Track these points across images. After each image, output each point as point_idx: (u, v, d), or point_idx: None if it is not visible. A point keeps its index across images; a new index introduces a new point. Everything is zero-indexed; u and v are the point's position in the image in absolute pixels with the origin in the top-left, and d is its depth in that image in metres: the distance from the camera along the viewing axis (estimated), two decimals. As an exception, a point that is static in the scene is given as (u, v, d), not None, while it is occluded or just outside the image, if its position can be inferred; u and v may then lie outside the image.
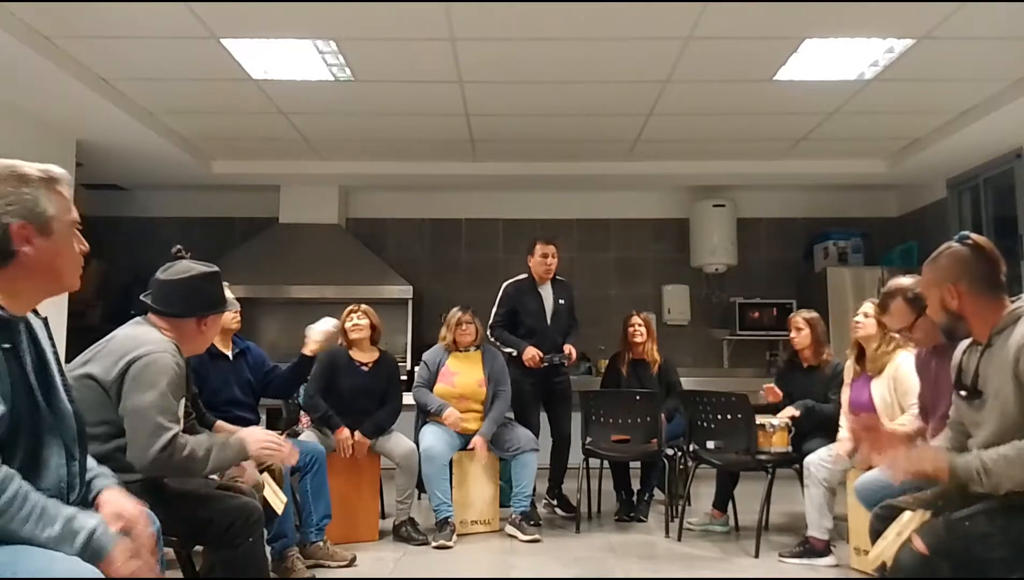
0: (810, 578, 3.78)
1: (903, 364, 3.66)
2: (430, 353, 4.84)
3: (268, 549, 3.09)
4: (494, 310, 5.14)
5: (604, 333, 6.68)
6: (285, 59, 4.70)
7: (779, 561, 3.99)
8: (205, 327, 2.58)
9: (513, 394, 4.78)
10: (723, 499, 4.69)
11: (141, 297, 2.56)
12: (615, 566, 3.98)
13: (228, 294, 2.70)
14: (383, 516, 4.70)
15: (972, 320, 2.23)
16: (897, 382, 3.69)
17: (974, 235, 2.25)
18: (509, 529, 4.50)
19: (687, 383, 5.48)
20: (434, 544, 4.23)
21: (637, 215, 7.96)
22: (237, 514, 2.37)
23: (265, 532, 2.62)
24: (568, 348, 5.02)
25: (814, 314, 4.59)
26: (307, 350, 3.95)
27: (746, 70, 4.88)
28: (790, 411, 4.31)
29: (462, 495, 4.57)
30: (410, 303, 7.07)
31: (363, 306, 4.60)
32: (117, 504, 1.71)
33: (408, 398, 4.79)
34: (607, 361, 5.57)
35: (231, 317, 3.76)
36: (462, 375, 4.70)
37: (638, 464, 5.04)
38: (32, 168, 1.64)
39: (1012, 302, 2.20)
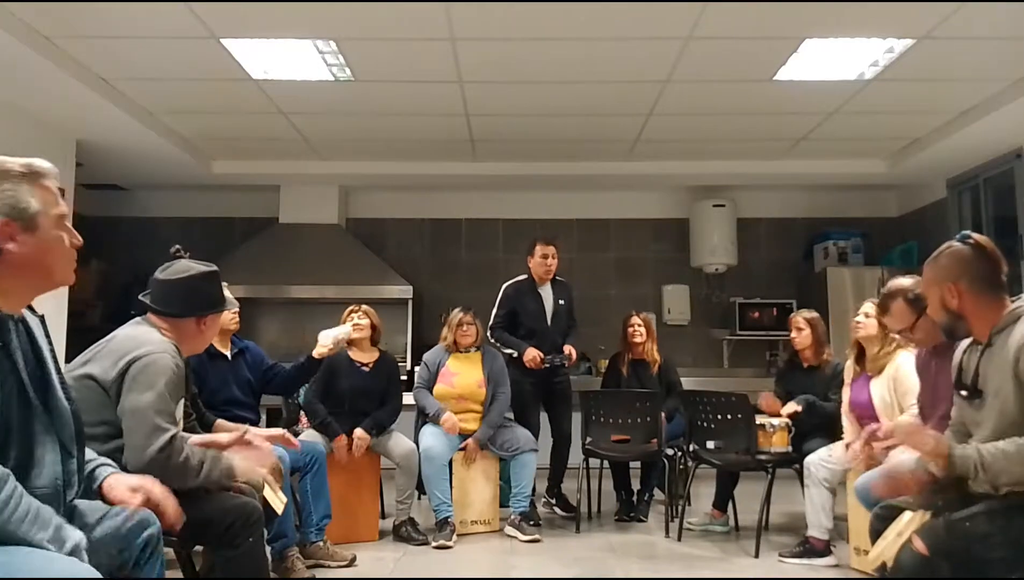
0: (810, 578, 3.78)
1: (903, 364, 3.65)
2: (430, 354, 4.85)
3: (268, 549, 3.08)
4: (494, 311, 5.14)
5: (604, 333, 6.68)
6: (285, 59, 4.69)
7: (779, 561, 3.99)
8: (204, 327, 2.58)
9: (513, 394, 4.78)
10: (723, 499, 4.69)
11: (140, 297, 2.56)
12: (615, 566, 3.98)
13: (227, 293, 2.70)
14: (383, 516, 4.70)
15: (972, 319, 2.23)
16: (897, 382, 3.69)
17: (975, 234, 2.25)
18: (509, 530, 4.50)
19: (687, 383, 5.48)
20: (434, 544, 4.23)
21: (637, 215, 7.96)
22: (237, 514, 2.37)
23: (265, 532, 2.62)
24: (568, 349, 5.02)
25: (814, 314, 4.59)
26: (317, 353, 3.95)
27: (746, 70, 4.88)
28: (792, 407, 4.31)
29: (462, 495, 4.57)
30: (410, 303, 7.07)
31: (363, 306, 4.60)
32: (125, 481, 1.71)
33: (408, 398, 4.79)
34: (607, 361, 5.57)
35: (230, 317, 3.76)
36: (462, 376, 4.70)
37: (638, 464, 5.04)
38: (14, 162, 1.60)
39: (1012, 302, 2.20)
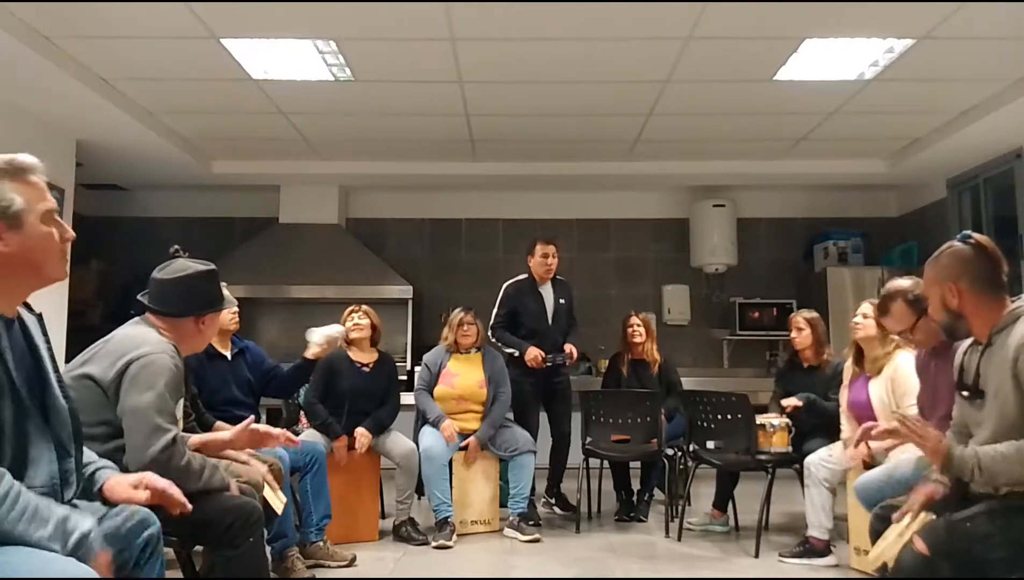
0: (810, 578, 3.78)
1: (902, 365, 3.65)
2: (431, 355, 4.84)
3: (268, 549, 3.08)
4: (495, 311, 5.14)
5: (604, 333, 6.68)
6: (285, 59, 4.69)
7: (779, 561, 3.99)
8: (203, 326, 2.57)
9: (513, 394, 4.78)
10: (723, 499, 4.69)
11: (138, 297, 2.56)
12: (615, 566, 3.98)
13: (225, 292, 2.70)
14: (383, 516, 4.70)
15: (972, 319, 2.23)
16: (895, 383, 3.68)
17: (976, 234, 2.25)
18: (508, 531, 4.49)
19: (687, 383, 5.48)
20: (434, 544, 4.23)
21: (637, 215, 7.95)
22: (237, 514, 2.37)
23: (265, 532, 2.62)
24: (569, 347, 5.02)
25: (814, 314, 4.59)
26: (309, 354, 3.95)
27: (746, 70, 4.88)
28: (794, 401, 4.31)
29: (462, 495, 4.57)
30: (410, 303, 7.07)
31: (363, 306, 4.60)
32: (126, 480, 1.71)
33: (408, 398, 4.79)
34: (607, 361, 5.58)
35: (229, 317, 3.76)
36: (462, 377, 4.70)
37: (638, 464, 5.04)
38: None
39: (1013, 302, 2.20)
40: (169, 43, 4.45)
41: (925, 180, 7.06)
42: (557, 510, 5.09)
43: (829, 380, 4.36)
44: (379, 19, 4.15)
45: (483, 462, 4.64)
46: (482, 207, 7.94)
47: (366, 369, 4.49)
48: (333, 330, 4.04)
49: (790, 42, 4.47)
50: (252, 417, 2.79)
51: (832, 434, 4.07)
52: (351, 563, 3.86)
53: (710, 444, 4.40)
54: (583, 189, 7.70)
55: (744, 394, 4.33)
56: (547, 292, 5.14)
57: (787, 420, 4.29)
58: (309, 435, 4.30)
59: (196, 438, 2.63)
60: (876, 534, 2.35)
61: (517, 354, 4.95)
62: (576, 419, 4.97)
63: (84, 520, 1.52)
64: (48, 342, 1.72)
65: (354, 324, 4.49)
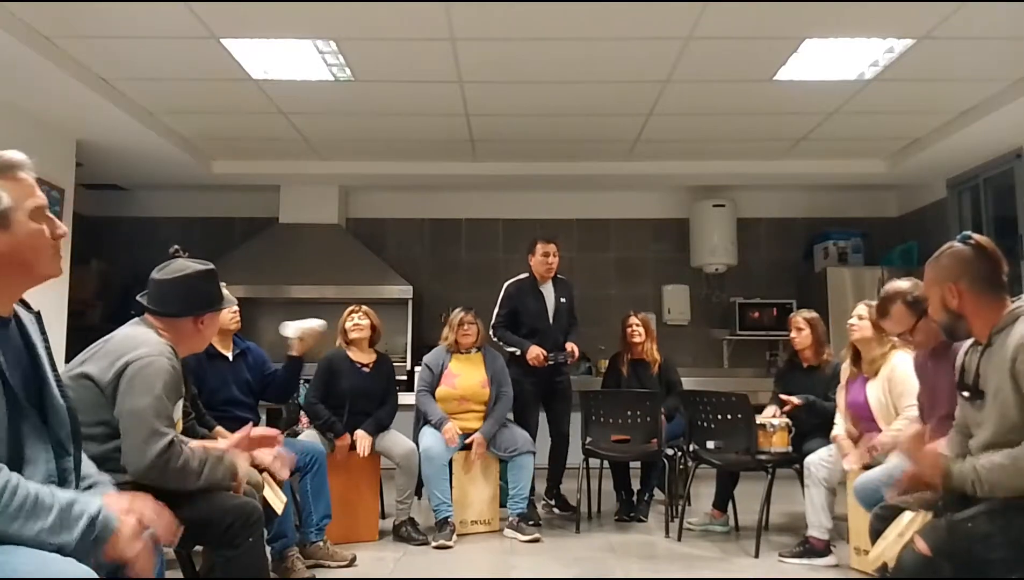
0: (810, 578, 3.78)
1: (899, 365, 3.65)
2: (431, 355, 4.84)
3: (268, 549, 3.08)
4: (496, 310, 5.14)
5: (604, 333, 6.67)
6: (285, 59, 4.69)
7: (779, 561, 3.99)
8: (203, 326, 2.56)
9: (513, 394, 4.77)
10: (723, 499, 4.69)
11: (138, 297, 2.55)
12: (615, 566, 3.98)
13: (225, 292, 2.69)
14: (383, 516, 4.70)
15: (972, 319, 2.23)
16: (892, 383, 3.68)
17: (976, 235, 2.26)
18: (508, 532, 4.49)
19: (687, 383, 5.48)
20: (434, 544, 4.23)
21: (637, 215, 7.95)
22: (237, 514, 2.37)
23: (265, 532, 2.62)
24: (570, 346, 5.02)
25: (814, 314, 4.60)
26: (293, 351, 3.95)
27: (746, 70, 4.88)
28: (794, 399, 4.31)
29: (462, 495, 4.57)
30: (410, 303, 7.07)
31: (363, 307, 4.61)
32: (116, 503, 1.70)
33: (409, 399, 4.78)
34: (607, 361, 5.58)
35: (230, 317, 3.76)
36: (463, 377, 4.70)
37: (638, 464, 5.04)
38: None
39: (1012, 302, 2.20)
40: (169, 43, 4.45)
41: (925, 180, 7.06)
42: (556, 510, 5.10)
43: (829, 380, 4.36)
44: (379, 19, 4.15)
45: (483, 462, 4.64)
46: (482, 207, 7.94)
47: (366, 369, 4.49)
48: (308, 323, 3.99)
49: (790, 42, 4.47)
50: (250, 424, 2.79)
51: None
52: (351, 563, 3.87)
53: (710, 444, 4.40)
54: (583, 189, 7.69)
55: (744, 394, 4.33)
56: (548, 291, 5.14)
57: (787, 420, 4.29)
58: (309, 435, 4.31)
59: (195, 444, 2.62)
60: (876, 534, 2.35)
61: (519, 353, 4.95)
62: (576, 419, 4.97)
63: (92, 502, 1.49)
64: (46, 341, 1.71)
65: (354, 324, 4.50)
